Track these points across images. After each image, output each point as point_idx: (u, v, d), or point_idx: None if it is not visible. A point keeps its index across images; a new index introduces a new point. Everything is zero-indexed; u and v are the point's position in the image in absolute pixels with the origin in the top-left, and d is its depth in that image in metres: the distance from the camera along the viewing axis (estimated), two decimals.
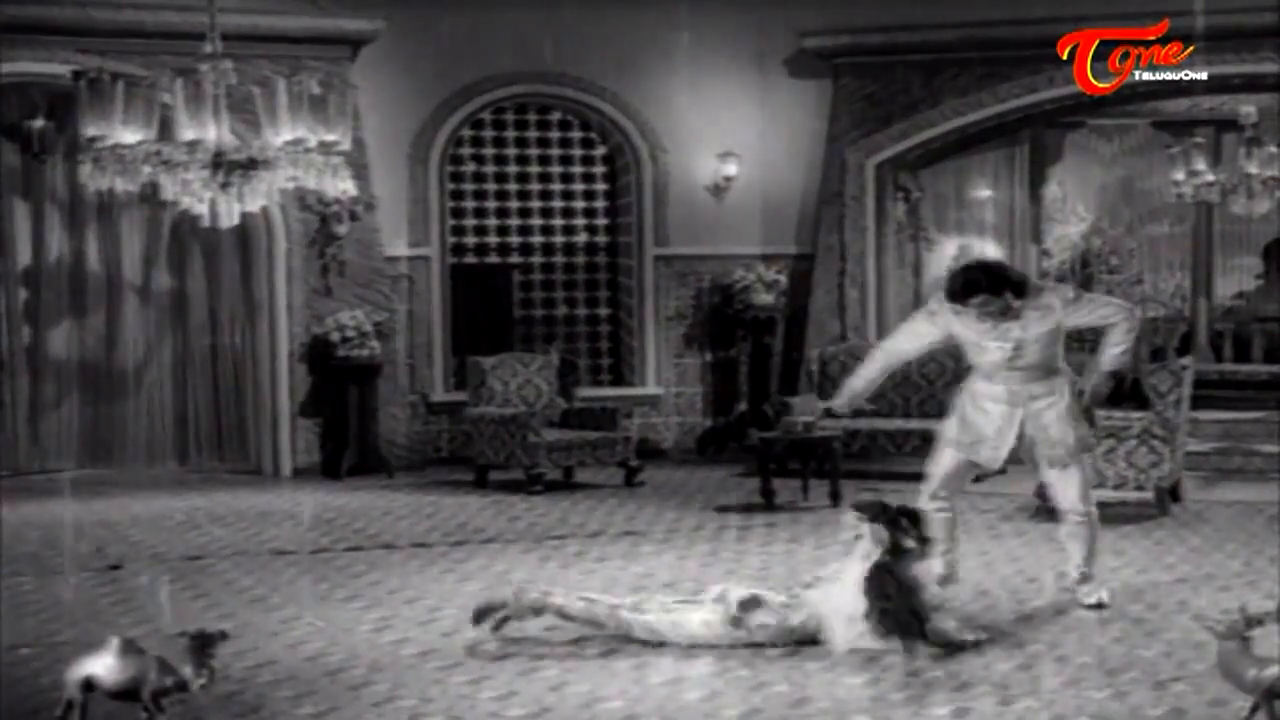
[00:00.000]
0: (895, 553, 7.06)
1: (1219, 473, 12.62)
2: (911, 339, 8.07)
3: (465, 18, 14.03)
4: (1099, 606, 7.85)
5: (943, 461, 7.94)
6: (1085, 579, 7.97)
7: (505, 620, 7.06)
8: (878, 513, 7.13)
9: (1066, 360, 7.91)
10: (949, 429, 7.94)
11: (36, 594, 8.62)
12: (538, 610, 7.01)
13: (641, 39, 14.48)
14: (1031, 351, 7.66)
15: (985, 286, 7.60)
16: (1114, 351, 7.78)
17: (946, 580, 7.85)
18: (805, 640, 7.05)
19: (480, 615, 7.10)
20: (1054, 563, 8.60)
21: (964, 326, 7.75)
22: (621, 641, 7.17)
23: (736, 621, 7.05)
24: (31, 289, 13.73)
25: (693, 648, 7.02)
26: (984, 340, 7.71)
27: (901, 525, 7.10)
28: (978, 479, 9.71)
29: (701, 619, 7.09)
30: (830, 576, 7.24)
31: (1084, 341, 17.97)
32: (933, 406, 12.90)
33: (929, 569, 7.34)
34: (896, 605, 6.97)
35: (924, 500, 7.84)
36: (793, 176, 14.71)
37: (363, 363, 13.34)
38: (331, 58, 13.30)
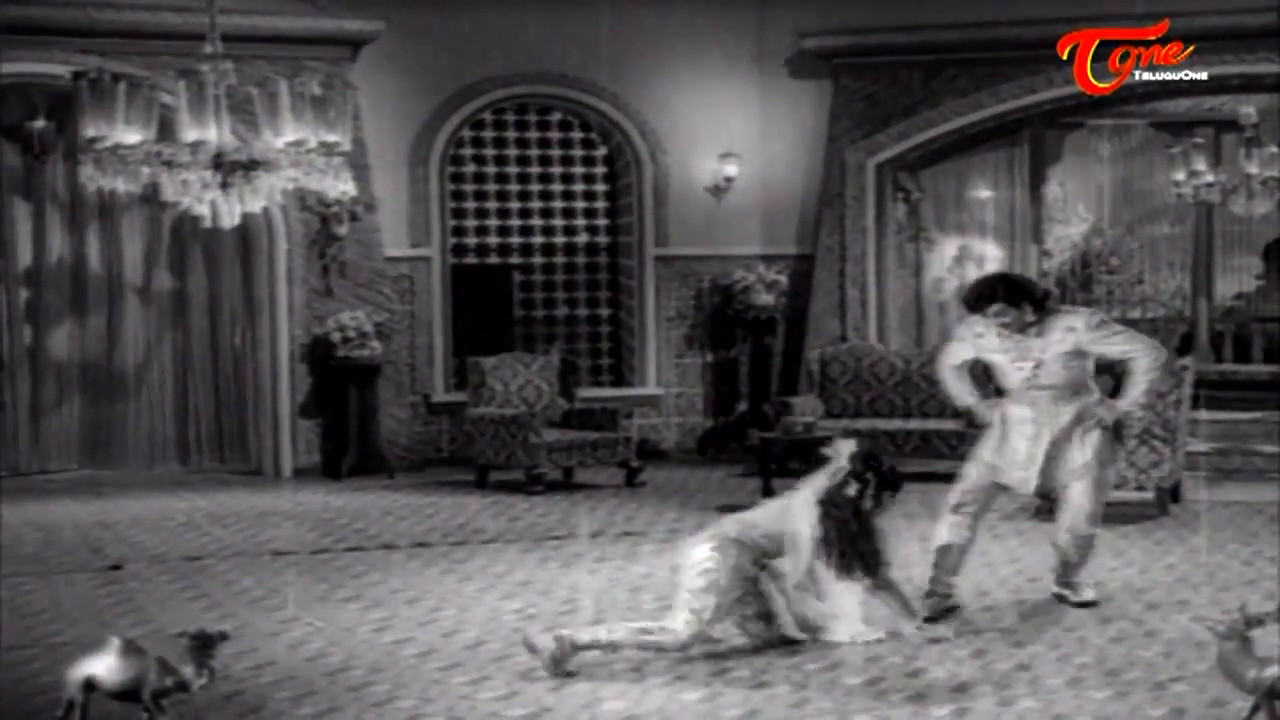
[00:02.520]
0: (838, 489, 7.06)
1: (1219, 473, 12.62)
2: (959, 349, 7.98)
3: (465, 18, 14.04)
4: (1088, 604, 7.86)
5: (970, 478, 7.81)
6: (1067, 586, 7.98)
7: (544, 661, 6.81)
8: (858, 457, 7.11)
9: (1096, 382, 7.87)
10: (983, 448, 7.84)
11: (37, 594, 8.62)
12: (583, 647, 6.87)
13: (641, 40, 14.49)
14: (1053, 372, 7.60)
15: (1001, 296, 7.58)
16: (1134, 393, 7.74)
17: (935, 595, 7.69)
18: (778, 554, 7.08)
19: (531, 649, 6.83)
20: (1055, 564, 8.58)
21: (989, 348, 7.72)
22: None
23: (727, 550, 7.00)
24: (32, 289, 13.74)
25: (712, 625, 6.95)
26: (1006, 361, 7.68)
27: (864, 477, 7.07)
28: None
29: (701, 567, 6.98)
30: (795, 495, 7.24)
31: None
32: (933, 407, 12.92)
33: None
34: (840, 527, 7.01)
35: (945, 515, 7.79)
36: (793, 177, 14.72)
37: (363, 363, 13.34)
38: (332, 58, 13.31)
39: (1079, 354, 7.65)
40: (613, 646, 6.87)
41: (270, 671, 6.84)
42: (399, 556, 9.66)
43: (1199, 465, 12.43)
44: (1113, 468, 8.03)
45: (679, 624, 6.89)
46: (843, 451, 7.17)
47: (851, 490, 7.07)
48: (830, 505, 7.05)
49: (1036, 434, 7.69)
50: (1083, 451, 7.69)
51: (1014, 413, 7.75)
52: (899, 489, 7.25)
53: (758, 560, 7.07)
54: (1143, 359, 7.65)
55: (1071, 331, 7.60)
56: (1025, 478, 7.78)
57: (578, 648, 6.77)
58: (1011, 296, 7.60)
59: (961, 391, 8.03)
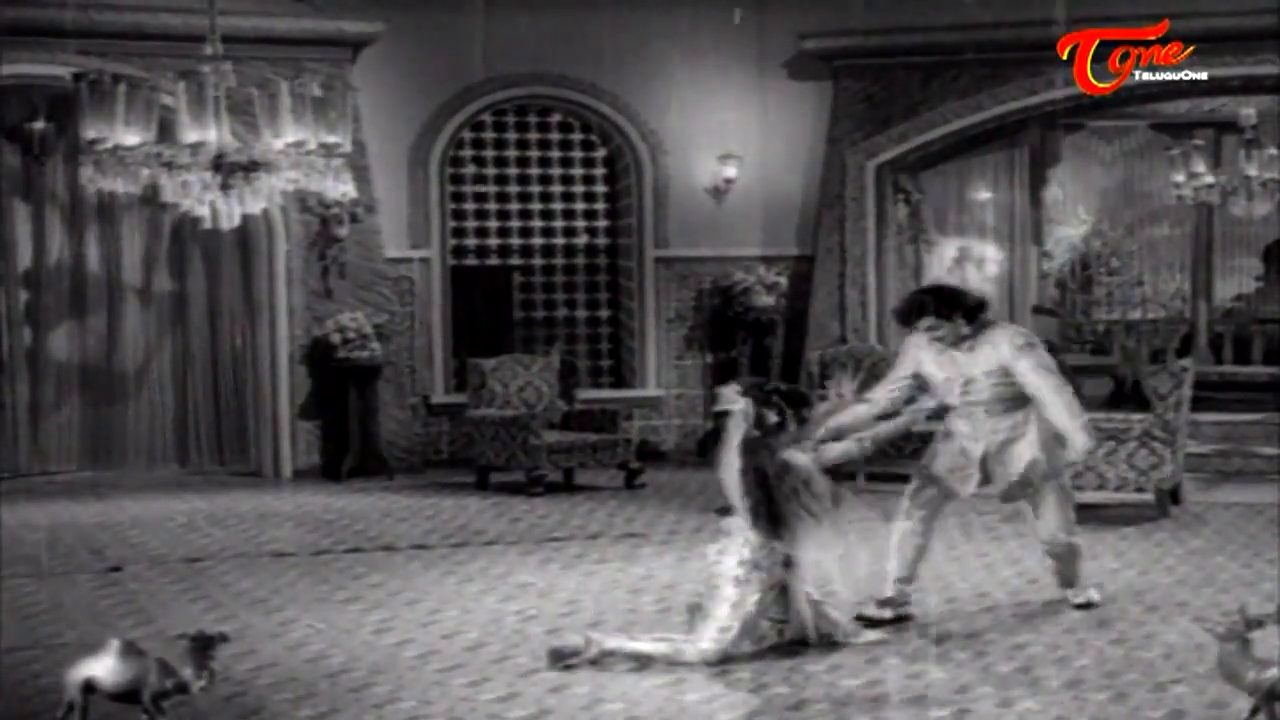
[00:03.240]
0: (762, 427, 7.04)
1: (1219, 475, 12.62)
2: (887, 387, 7.81)
3: (465, 19, 14.04)
4: (1088, 606, 7.86)
5: (916, 487, 7.72)
6: (1070, 589, 7.98)
7: (575, 662, 6.83)
8: (749, 388, 7.16)
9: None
10: (926, 457, 7.78)
11: (37, 595, 8.62)
12: (608, 653, 6.87)
13: (642, 40, 14.48)
14: (982, 389, 7.50)
15: (932, 310, 7.50)
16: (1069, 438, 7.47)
17: (893, 603, 7.60)
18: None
19: (556, 658, 6.85)
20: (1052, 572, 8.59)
21: (925, 361, 7.62)
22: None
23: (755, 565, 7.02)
24: (32, 291, 13.73)
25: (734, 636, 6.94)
26: (941, 376, 7.58)
27: (770, 401, 7.09)
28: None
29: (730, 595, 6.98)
30: (724, 466, 7.18)
31: (1084, 343, 18.06)
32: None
33: (808, 457, 7.16)
34: (762, 480, 7.00)
35: (897, 522, 7.69)
36: (793, 178, 14.71)
37: (363, 364, 13.33)
38: (332, 60, 13.31)
39: (1007, 371, 7.50)
40: (638, 656, 6.86)
41: (270, 673, 6.84)
42: (399, 558, 9.66)
43: (1199, 467, 12.44)
44: (1066, 471, 7.89)
45: (706, 641, 6.88)
46: (732, 395, 7.17)
47: (773, 418, 7.06)
48: (749, 453, 7.02)
49: (973, 447, 7.57)
50: (1021, 467, 7.55)
51: (955, 425, 7.68)
52: (807, 396, 7.32)
53: (786, 558, 7.06)
54: (1046, 408, 7.42)
55: (995, 349, 7.48)
56: (963, 486, 7.65)
57: (604, 652, 6.79)
58: (941, 310, 7.50)
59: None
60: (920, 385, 7.76)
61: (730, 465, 7.09)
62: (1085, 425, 7.49)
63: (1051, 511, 7.78)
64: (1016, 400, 7.55)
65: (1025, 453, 7.56)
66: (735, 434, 7.11)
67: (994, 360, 7.49)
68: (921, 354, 7.64)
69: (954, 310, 7.52)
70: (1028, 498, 7.81)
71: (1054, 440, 7.59)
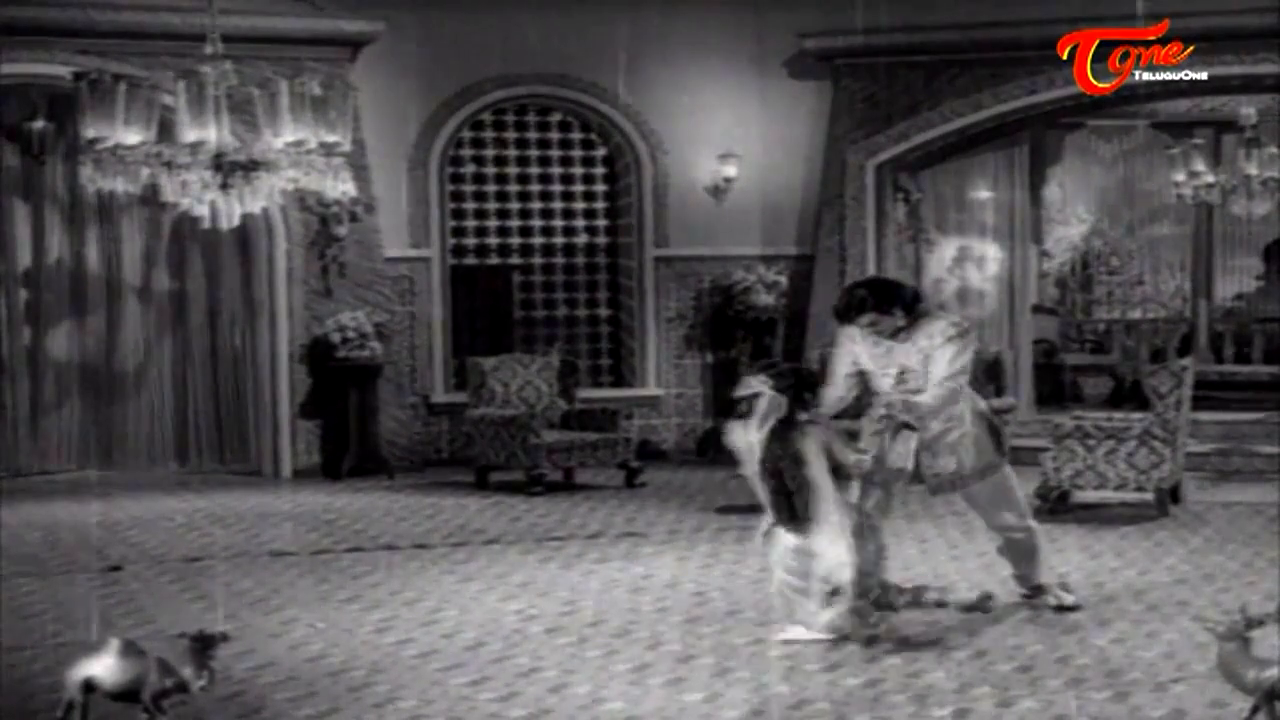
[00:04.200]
0: (792, 415, 7.11)
1: (1219, 474, 12.63)
2: (839, 375, 7.70)
3: (465, 18, 14.04)
4: (1072, 608, 7.81)
5: (863, 494, 7.47)
6: (1038, 591, 7.93)
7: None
8: (775, 377, 7.19)
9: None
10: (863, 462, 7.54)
11: (37, 595, 8.62)
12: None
13: (641, 40, 14.48)
14: (918, 378, 7.42)
15: (873, 305, 7.44)
16: (925, 397, 7.39)
17: (882, 605, 7.51)
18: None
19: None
20: (1053, 564, 8.60)
21: (861, 351, 7.57)
22: (621, 643, 7.19)
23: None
24: (32, 290, 13.73)
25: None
26: (876, 367, 7.53)
27: (803, 398, 7.15)
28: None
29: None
30: (745, 450, 7.23)
31: (1084, 342, 18.03)
32: None
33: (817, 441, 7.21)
34: (775, 472, 7.10)
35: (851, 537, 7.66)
36: (793, 178, 14.70)
37: (363, 364, 13.34)
38: (332, 59, 13.31)
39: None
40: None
41: (270, 672, 6.84)
42: (399, 557, 9.66)
43: (1199, 466, 12.44)
44: (1006, 461, 7.81)
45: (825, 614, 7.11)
46: (756, 381, 7.18)
47: (797, 412, 7.12)
48: (769, 443, 7.08)
49: (907, 435, 7.42)
50: (950, 460, 7.54)
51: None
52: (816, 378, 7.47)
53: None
54: (930, 391, 7.38)
55: (930, 340, 7.44)
56: (895, 474, 7.49)
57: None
58: (881, 304, 7.45)
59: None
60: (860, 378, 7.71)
61: (755, 456, 7.13)
62: (933, 407, 7.37)
63: (1002, 500, 7.73)
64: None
65: (957, 450, 7.53)
66: (763, 421, 7.12)
67: (929, 350, 7.44)
68: (855, 347, 7.59)
69: (892, 304, 7.48)
70: (967, 493, 7.74)
71: (986, 435, 7.59)
